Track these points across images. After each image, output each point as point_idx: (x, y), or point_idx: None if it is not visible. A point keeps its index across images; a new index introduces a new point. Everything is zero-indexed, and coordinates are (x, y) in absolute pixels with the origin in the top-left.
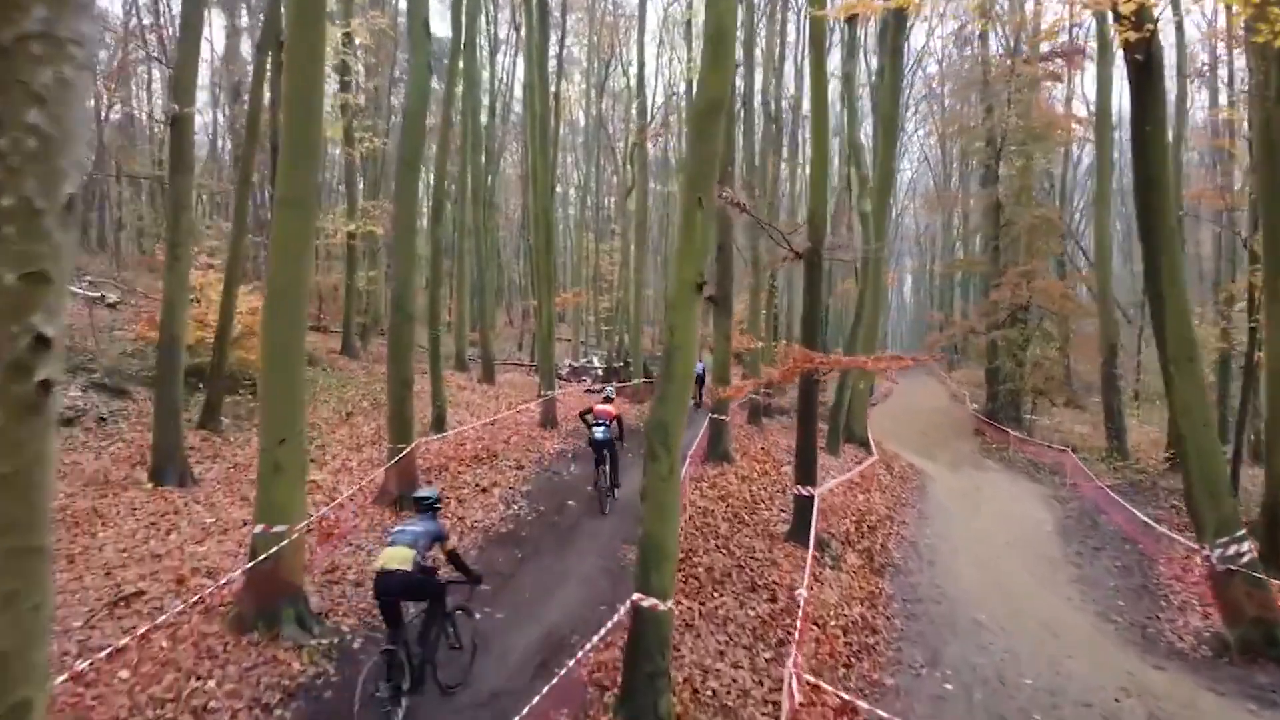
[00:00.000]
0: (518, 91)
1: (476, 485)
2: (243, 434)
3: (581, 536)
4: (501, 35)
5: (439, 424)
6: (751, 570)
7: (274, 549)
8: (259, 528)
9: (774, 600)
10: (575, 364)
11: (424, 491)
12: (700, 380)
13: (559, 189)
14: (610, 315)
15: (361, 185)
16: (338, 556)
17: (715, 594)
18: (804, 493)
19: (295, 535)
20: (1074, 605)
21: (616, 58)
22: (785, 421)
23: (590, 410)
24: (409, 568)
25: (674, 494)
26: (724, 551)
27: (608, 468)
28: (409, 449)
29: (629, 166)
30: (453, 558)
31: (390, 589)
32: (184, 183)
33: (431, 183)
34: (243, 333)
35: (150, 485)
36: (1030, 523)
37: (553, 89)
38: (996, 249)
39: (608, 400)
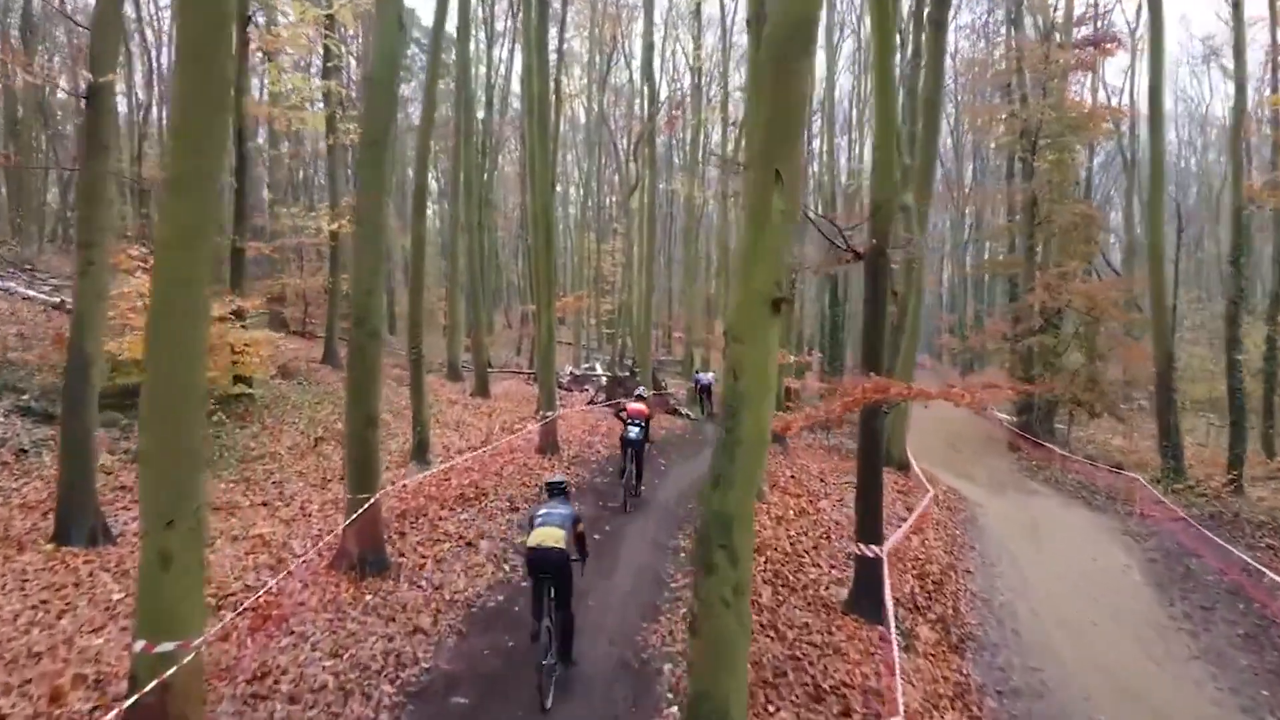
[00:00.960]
0: (515, 86)
1: (460, 538)
2: None
3: (590, 609)
4: (500, 28)
5: (420, 452)
6: (811, 664)
7: (161, 677)
8: (139, 644)
9: (847, 714)
10: (577, 371)
11: (556, 477)
12: (708, 391)
13: (559, 188)
14: (612, 318)
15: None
16: (272, 653)
17: (770, 708)
18: (868, 553)
19: (193, 655)
20: (1208, 696)
21: (619, 50)
22: (809, 439)
23: (624, 409)
24: (563, 545)
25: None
26: (772, 634)
27: (634, 466)
28: (372, 500)
29: (632, 162)
30: (580, 538)
31: (545, 566)
32: (99, 169)
33: (412, 173)
34: None
35: (50, 546)
36: (1111, 569)
37: (552, 78)
38: (1031, 249)
39: (640, 399)
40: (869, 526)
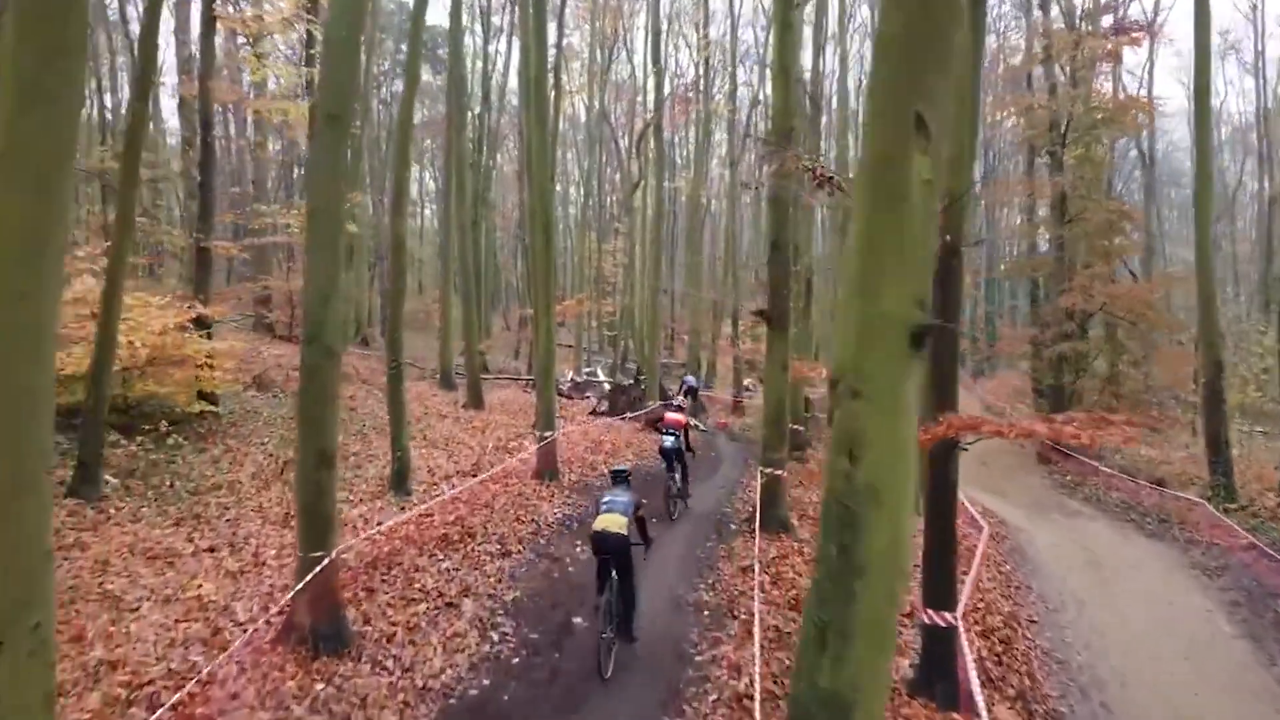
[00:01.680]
0: (513, 83)
1: (439, 595)
2: (133, 502)
3: (598, 694)
4: (497, 22)
5: (400, 480)
6: None
7: None
8: None
9: None
10: (578, 378)
11: (621, 466)
12: (694, 393)
13: (559, 187)
14: (614, 320)
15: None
16: None
17: None
18: (940, 621)
19: None
20: None
21: (620, 43)
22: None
23: (661, 419)
24: (624, 531)
25: None
26: None
27: (678, 475)
28: (328, 559)
29: (635, 159)
30: (640, 523)
31: (608, 548)
32: None
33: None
34: (151, 358)
35: None
36: (1192, 615)
37: (550, 67)
38: (1061, 249)
39: (678, 409)
40: (940, 590)
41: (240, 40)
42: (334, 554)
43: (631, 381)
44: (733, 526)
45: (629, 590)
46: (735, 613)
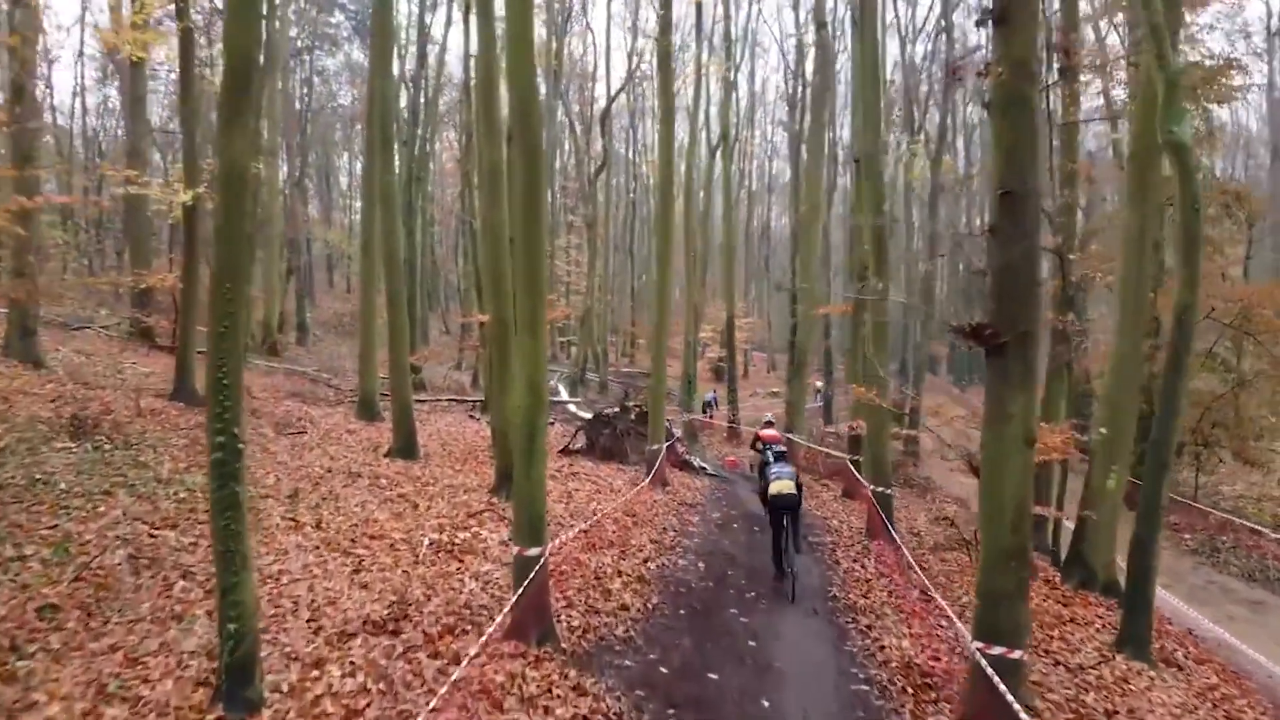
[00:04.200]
0: (452, 67)
1: None
2: None
3: None
4: None
5: (239, 680)
6: None
7: None
8: None
9: None
10: None
11: (780, 447)
12: (708, 408)
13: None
14: (566, 325)
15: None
16: None
17: None
18: None
19: None
20: None
21: (579, 13)
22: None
23: (758, 438)
24: (797, 492)
25: None
26: None
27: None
28: None
29: (601, 135)
30: (799, 487)
31: (787, 506)
32: None
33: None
34: None
35: None
36: None
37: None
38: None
39: (769, 425)
40: None
41: None
42: None
43: (617, 409)
44: None
45: (798, 527)
46: None
